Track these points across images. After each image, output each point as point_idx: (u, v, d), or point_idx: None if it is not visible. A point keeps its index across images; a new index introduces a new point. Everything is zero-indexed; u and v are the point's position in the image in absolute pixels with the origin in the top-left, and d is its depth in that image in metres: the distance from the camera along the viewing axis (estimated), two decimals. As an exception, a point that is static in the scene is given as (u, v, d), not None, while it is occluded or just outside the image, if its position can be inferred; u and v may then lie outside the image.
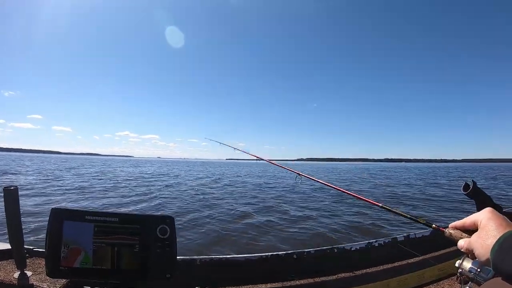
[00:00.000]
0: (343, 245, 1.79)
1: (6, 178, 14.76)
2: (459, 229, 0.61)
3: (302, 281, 1.53)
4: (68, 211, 0.89)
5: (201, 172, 29.71)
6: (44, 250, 0.91)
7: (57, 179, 15.39)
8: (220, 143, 3.47)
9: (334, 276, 1.59)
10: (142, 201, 9.12)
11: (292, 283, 1.51)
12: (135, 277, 0.90)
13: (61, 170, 24.59)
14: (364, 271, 1.66)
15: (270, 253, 1.64)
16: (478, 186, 1.31)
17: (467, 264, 0.64)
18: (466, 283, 0.67)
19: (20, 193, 1.05)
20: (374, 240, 1.87)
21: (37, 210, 6.62)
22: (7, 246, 1.35)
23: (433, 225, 0.73)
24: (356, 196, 1.44)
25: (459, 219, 0.61)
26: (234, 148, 3.25)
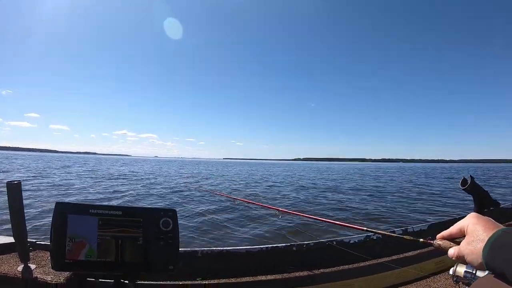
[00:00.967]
0: (342, 238, 1.82)
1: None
2: (446, 239, 0.60)
3: (301, 273, 1.55)
4: (72, 205, 0.90)
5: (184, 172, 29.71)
6: (48, 243, 0.92)
7: (41, 177, 15.83)
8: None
9: (333, 269, 1.62)
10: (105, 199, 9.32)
11: (292, 275, 1.54)
12: (139, 269, 0.92)
13: (50, 168, 25.08)
14: (363, 263, 1.69)
15: (270, 245, 1.67)
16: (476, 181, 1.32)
17: (461, 269, 0.64)
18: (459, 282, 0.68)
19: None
20: (373, 234, 1.90)
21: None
22: (10, 239, 1.36)
23: (421, 240, 0.72)
24: (341, 224, 1.53)
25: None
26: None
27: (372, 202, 9.83)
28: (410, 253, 1.80)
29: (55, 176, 16.49)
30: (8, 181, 1.02)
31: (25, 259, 1.15)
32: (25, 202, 1.08)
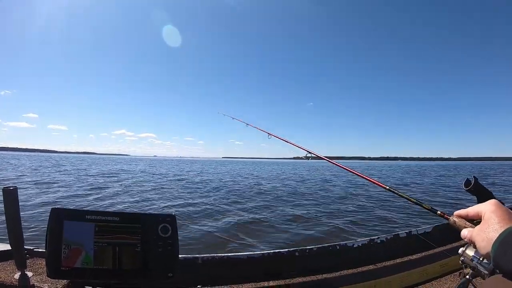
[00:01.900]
0: (345, 242, 1.79)
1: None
2: (463, 218, 0.60)
3: (304, 279, 1.52)
4: (68, 211, 0.88)
5: (180, 170, 29.76)
6: (44, 250, 0.90)
7: (26, 176, 16.29)
8: (233, 118, 3.32)
9: (336, 273, 1.59)
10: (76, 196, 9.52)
11: (295, 280, 1.51)
12: (137, 277, 0.89)
13: (42, 167, 25.68)
14: (367, 268, 1.66)
15: (272, 251, 1.64)
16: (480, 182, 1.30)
17: (470, 252, 0.64)
18: (465, 276, 0.67)
19: None
20: (376, 237, 1.87)
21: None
22: (7, 246, 1.34)
23: (438, 212, 0.72)
24: (366, 178, 1.47)
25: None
26: (247, 124, 2.86)
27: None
28: (414, 256, 1.77)
29: (43, 175, 16.91)
30: (4, 187, 1.00)
31: (21, 266, 1.12)
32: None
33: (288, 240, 5.00)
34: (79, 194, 9.56)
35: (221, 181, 16.87)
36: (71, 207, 0.91)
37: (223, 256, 1.56)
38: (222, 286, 1.41)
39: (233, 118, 3.40)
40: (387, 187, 1.20)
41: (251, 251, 1.62)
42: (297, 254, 1.66)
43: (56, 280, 1.16)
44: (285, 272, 1.56)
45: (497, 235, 0.46)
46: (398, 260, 1.75)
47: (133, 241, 0.89)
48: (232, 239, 5.01)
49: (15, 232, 1.05)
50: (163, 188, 12.74)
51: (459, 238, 0.59)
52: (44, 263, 1.35)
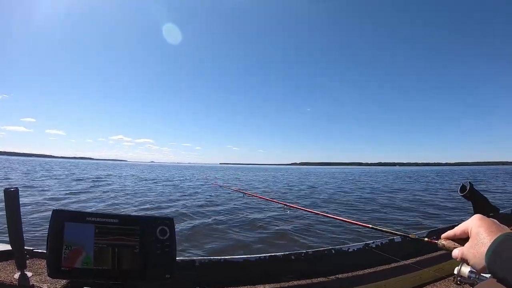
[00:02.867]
0: (340, 246, 1.81)
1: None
2: (451, 239, 0.61)
3: (299, 282, 1.54)
4: (69, 213, 0.90)
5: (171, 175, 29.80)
6: (44, 251, 0.92)
7: (8, 179, 16.88)
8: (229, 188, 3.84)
9: (332, 277, 1.60)
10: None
11: (290, 284, 1.52)
12: (135, 278, 0.91)
13: (33, 171, 26.12)
14: (362, 272, 1.67)
15: (268, 254, 1.65)
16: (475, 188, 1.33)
17: (466, 270, 0.65)
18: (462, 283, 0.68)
19: None
20: (372, 242, 1.89)
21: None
22: (7, 247, 1.35)
23: (425, 239, 0.73)
24: (347, 221, 1.55)
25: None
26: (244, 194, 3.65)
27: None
28: (409, 261, 1.79)
29: (29, 180, 17.18)
30: (5, 188, 1.02)
31: (21, 266, 1.14)
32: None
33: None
34: (54, 198, 9.60)
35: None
36: (72, 209, 0.93)
37: (220, 259, 1.58)
38: None
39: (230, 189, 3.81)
40: (370, 226, 1.24)
41: (247, 255, 1.64)
42: (292, 257, 1.68)
43: (56, 280, 1.17)
44: (281, 276, 1.58)
45: (488, 247, 0.47)
46: (393, 265, 1.77)
47: (132, 242, 0.91)
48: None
49: (15, 233, 1.07)
50: (138, 192, 12.96)
51: None
52: (43, 263, 1.37)
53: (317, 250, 1.74)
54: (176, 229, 0.98)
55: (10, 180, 16.12)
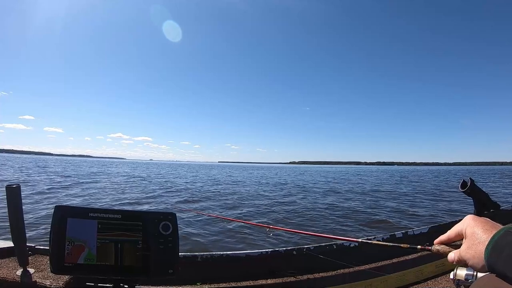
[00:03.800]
0: (342, 241, 1.81)
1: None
2: (444, 243, 0.60)
3: (301, 277, 1.54)
4: (72, 209, 0.90)
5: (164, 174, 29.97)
6: (47, 247, 0.92)
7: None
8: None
9: (333, 272, 1.61)
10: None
11: (292, 279, 1.53)
12: (138, 273, 0.91)
13: (25, 168, 27.04)
14: (363, 267, 1.68)
15: (270, 249, 1.66)
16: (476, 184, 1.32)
17: (462, 273, 0.64)
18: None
19: None
20: (373, 237, 1.89)
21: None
22: (9, 243, 1.35)
23: (418, 247, 0.71)
24: (335, 238, 1.57)
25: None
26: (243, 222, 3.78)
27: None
28: (410, 257, 1.79)
29: (19, 175, 17.90)
30: (7, 185, 1.02)
31: (24, 263, 1.14)
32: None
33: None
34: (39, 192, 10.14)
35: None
36: (74, 205, 0.93)
37: (222, 254, 1.58)
38: (221, 284, 1.43)
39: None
40: (360, 240, 1.24)
41: (249, 250, 1.64)
42: (294, 252, 1.68)
43: (58, 276, 1.17)
44: (283, 270, 1.58)
45: (486, 245, 0.46)
46: (394, 260, 1.77)
47: (135, 238, 0.91)
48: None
49: (17, 229, 1.07)
50: (119, 188, 13.42)
51: None
52: (46, 260, 1.37)
53: (319, 246, 1.75)
54: None
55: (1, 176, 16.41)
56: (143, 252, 0.91)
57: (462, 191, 1.30)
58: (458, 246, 0.55)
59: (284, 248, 1.68)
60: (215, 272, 1.52)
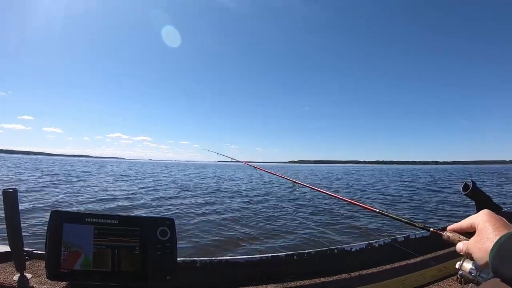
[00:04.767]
0: (343, 246, 1.79)
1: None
2: (456, 232, 0.61)
3: (302, 282, 1.52)
4: (68, 213, 0.89)
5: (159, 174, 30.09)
6: (44, 252, 0.91)
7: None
8: (218, 153, 4.42)
9: (334, 277, 1.59)
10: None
11: (293, 284, 1.51)
12: (136, 280, 0.90)
13: (19, 168, 26.95)
14: (364, 272, 1.66)
15: (270, 254, 1.64)
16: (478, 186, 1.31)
17: (468, 265, 0.64)
18: (467, 283, 0.67)
19: None
20: (374, 241, 1.88)
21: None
22: (6, 248, 1.34)
23: (431, 229, 0.73)
24: (353, 203, 1.52)
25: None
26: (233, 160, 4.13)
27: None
28: (412, 260, 1.77)
29: (10, 175, 17.93)
30: (4, 189, 1.01)
31: (21, 268, 1.13)
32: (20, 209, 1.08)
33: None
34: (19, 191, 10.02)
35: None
36: (71, 210, 0.92)
37: (221, 259, 1.56)
38: None
39: (217, 154, 4.45)
40: (377, 211, 1.22)
41: (249, 255, 1.62)
42: (295, 257, 1.66)
43: (55, 282, 1.16)
44: (283, 276, 1.56)
45: (493, 244, 0.46)
46: (396, 264, 1.75)
47: (132, 244, 0.90)
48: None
49: (14, 234, 1.06)
50: (101, 186, 13.28)
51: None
52: (43, 265, 1.35)
53: (319, 250, 1.73)
54: None
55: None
56: (141, 258, 0.90)
57: (464, 194, 1.28)
58: (469, 237, 0.55)
59: (285, 253, 1.66)
60: (214, 277, 1.50)
